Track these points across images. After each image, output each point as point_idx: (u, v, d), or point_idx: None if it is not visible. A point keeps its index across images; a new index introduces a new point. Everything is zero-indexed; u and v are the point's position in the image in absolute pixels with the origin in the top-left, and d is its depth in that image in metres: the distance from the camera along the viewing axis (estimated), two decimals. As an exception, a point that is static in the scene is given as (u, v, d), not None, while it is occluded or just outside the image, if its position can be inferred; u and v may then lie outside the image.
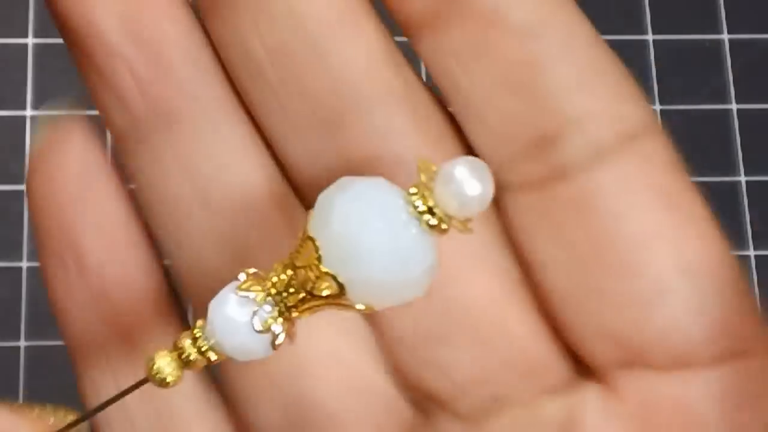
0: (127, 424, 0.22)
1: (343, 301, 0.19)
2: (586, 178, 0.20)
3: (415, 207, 0.18)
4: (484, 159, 0.20)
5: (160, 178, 0.22)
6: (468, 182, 0.18)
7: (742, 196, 0.41)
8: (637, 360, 0.20)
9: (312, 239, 0.19)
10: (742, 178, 0.41)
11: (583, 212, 0.20)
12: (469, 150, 0.21)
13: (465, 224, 0.19)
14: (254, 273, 0.19)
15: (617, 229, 0.20)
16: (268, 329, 0.19)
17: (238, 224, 0.22)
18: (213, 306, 0.19)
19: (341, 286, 0.18)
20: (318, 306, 0.19)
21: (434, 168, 0.19)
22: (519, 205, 0.20)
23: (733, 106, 0.41)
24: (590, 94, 0.19)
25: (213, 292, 0.20)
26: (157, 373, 0.19)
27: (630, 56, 0.42)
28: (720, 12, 0.43)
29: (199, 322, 0.20)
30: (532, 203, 0.20)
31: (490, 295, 0.21)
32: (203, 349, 0.19)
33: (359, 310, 0.19)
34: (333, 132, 0.21)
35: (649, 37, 0.43)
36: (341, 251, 0.18)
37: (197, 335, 0.19)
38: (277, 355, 0.20)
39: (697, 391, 0.20)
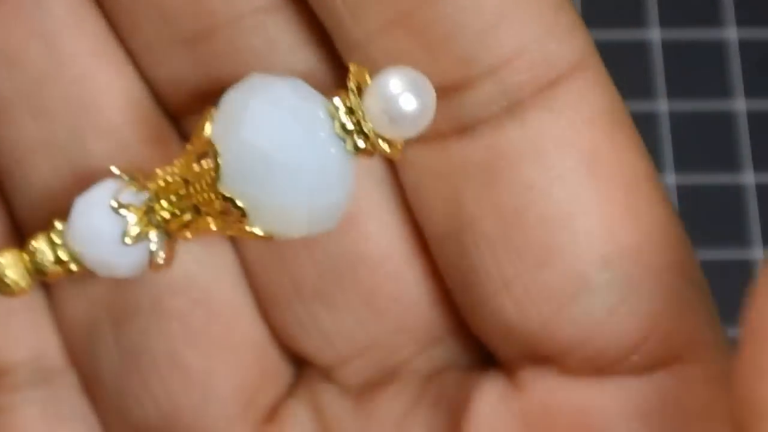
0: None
1: (239, 227, 0.16)
2: (495, 136, 0.16)
3: (342, 124, 0.15)
4: None
5: None
6: (403, 96, 0.15)
7: (752, 195, 0.40)
8: (545, 359, 0.17)
9: (212, 146, 0.15)
10: (752, 179, 0.40)
11: (489, 179, 0.16)
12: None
13: (395, 147, 0.16)
14: (132, 174, 0.16)
15: (530, 203, 0.16)
16: (145, 240, 0.16)
17: (79, 135, 0.18)
18: (78, 209, 0.16)
19: (241, 210, 0.15)
20: (207, 229, 0.16)
21: (367, 77, 0.16)
22: (413, 160, 0.17)
23: (743, 105, 0.40)
24: (507, 31, 0.16)
25: (49, 216, 0.17)
26: (1, 278, 0.16)
27: (635, 54, 0.41)
28: (729, 7, 0.42)
29: (59, 225, 0.17)
30: (428, 161, 0.17)
31: (387, 251, 0.17)
32: (62, 258, 0.16)
33: (258, 237, 0.16)
34: (195, 49, 0.17)
35: (657, 34, 0.42)
36: (248, 165, 0.15)
37: (55, 241, 0.16)
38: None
39: (609, 402, 0.16)
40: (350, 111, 0.15)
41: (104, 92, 0.18)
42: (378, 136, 0.15)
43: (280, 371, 0.19)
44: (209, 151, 0.15)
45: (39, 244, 0.16)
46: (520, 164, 0.16)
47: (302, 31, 0.17)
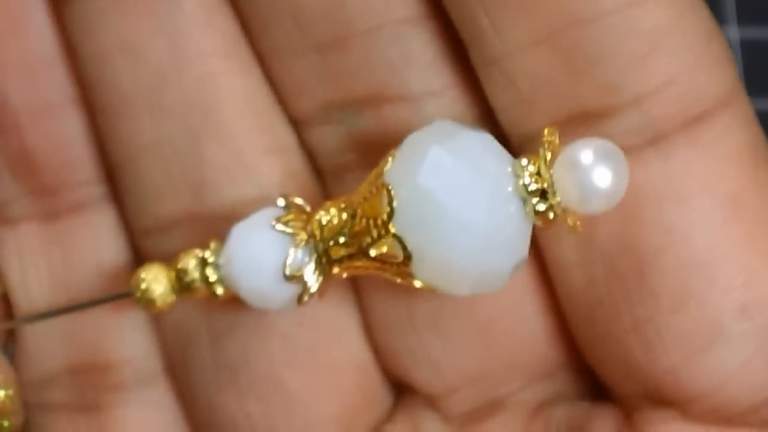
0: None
1: (399, 272, 0.15)
2: (637, 170, 0.16)
3: (525, 186, 0.15)
4: (503, 123, 0.16)
5: (98, 58, 0.17)
6: (597, 170, 0.14)
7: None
8: (669, 405, 0.16)
9: (387, 188, 0.15)
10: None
11: (628, 216, 0.16)
12: (489, 112, 0.16)
13: (576, 220, 0.15)
14: (297, 204, 0.16)
15: (669, 245, 0.16)
16: (298, 279, 0.15)
17: (195, 138, 0.17)
18: (238, 234, 0.16)
19: (407, 255, 0.15)
20: (365, 268, 0.16)
21: (558, 143, 0.15)
22: None
23: (743, 104, 0.40)
24: (657, 61, 0.15)
25: (154, 221, 0.17)
26: (144, 292, 0.16)
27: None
28: (729, 6, 0.42)
29: (213, 244, 0.16)
30: None
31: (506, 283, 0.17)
32: (210, 280, 0.16)
33: (417, 287, 0.15)
34: (328, 58, 0.16)
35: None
36: (422, 211, 0.15)
37: (207, 259, 0.16)
38: None
39: None
40: (538, 175, 0.15)
41: (227, 95, 0.17)
42: (562, 206, 0.15)
43: (381, 396, 0.18)
44: (385, 190, 0.15)
45: (187, 262, 0.16)
46: (662, 204, 0.15)
47: (440, 47, 0.16)
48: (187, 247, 0.17)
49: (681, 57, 0.15)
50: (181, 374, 0.18)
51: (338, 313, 0.18)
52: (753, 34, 0.40)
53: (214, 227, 0.17)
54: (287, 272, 0.15)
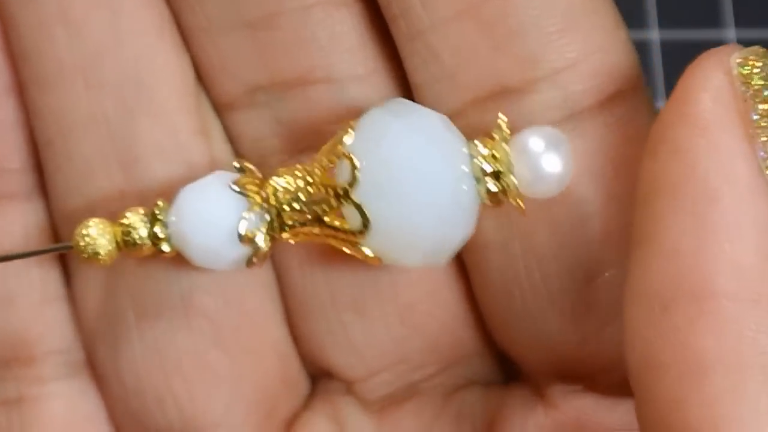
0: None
1: (349, 240, 0.16)
2: None
3: (480, 167, 0.15)
4: (425, 101, 0.16)
5: (37, 29, 0.17)
6: (547, 157, 0.15)
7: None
8: (576, 377, 0.17)
9: (350, 157, 0.15)
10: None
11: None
12: (410, 90, 0.17)
13: (522, 202, 0.15)
14: (250, 168, 0.16)
15: (585, 220, 0.16)
16: (250, 241, 0.16)
17: (129, 115, 0.17)
18: (191, 192, 0.16)
19: (365, 223, 0.15)
20: (316, 235, 0.16)
21: (508, 132, 0.15)
22: None
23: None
24: (574, 36, 0.16)
25: (82, 200, 0.17)
26: (87, 244, 0.16)
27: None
28: (727, 8, 0.42)
29: (160, 202, 0.16)
30: None
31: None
32: (159, 236, 0.16)
33: (365, 256, 0.16)
34: (256, 35, 0.16)
35: (656, 35, 0.42)
36: (384, 182, 0.15)
37: (158, 216, 0.16)
38: None
39: None
40: (493, 157, 0.15)
41: (161, 75, 0.17)
42: (513, 189, 0.15)
43: (299, 384, 0.18)
44: (346, 161, 0.15)
45: (133, 218, 0.16)
46: (579, 180, 0.16)
47: (366, 32, 0.17)
48: None
49: (594, 36, 0.16)
50: (108, 358, 0.18)
51: (264, 296, 0.18)
52: (750, 36, 0.40)
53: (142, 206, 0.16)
54: (242, 233, 0.16)
